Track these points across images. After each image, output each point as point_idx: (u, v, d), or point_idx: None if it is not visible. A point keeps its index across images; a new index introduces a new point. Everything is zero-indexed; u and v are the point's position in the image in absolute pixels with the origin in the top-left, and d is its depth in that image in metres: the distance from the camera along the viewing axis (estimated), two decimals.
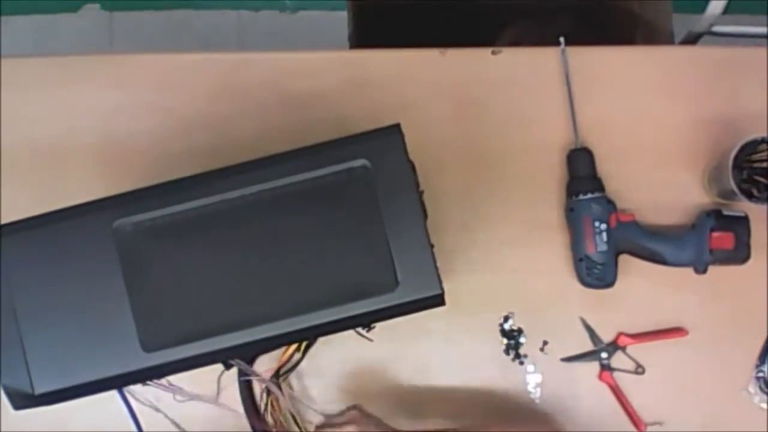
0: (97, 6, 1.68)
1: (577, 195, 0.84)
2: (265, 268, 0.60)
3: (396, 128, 0.61)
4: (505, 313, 0.86)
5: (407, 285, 0.60)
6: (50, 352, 0.60)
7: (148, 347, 0.60)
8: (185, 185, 0.61)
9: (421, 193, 0.63)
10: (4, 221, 0.87)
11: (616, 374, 0.86)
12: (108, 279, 0.60)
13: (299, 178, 0.61)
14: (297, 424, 0.82)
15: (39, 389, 0.61)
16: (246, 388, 0.81)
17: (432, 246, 0.62)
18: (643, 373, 0.86)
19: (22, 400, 0.62)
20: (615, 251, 0.83)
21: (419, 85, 0.89)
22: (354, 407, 0.84)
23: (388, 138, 0.61)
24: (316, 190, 0.60)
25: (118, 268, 0.60)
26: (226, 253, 0.61)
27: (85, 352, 0.60)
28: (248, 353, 0.66)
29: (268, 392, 0.80)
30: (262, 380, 0.77)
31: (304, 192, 0.60)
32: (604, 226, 0.83)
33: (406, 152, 0.61)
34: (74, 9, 1.68)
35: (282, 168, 0.61)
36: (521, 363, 0.86)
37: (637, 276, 0.86)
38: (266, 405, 0.80)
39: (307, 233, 0.60)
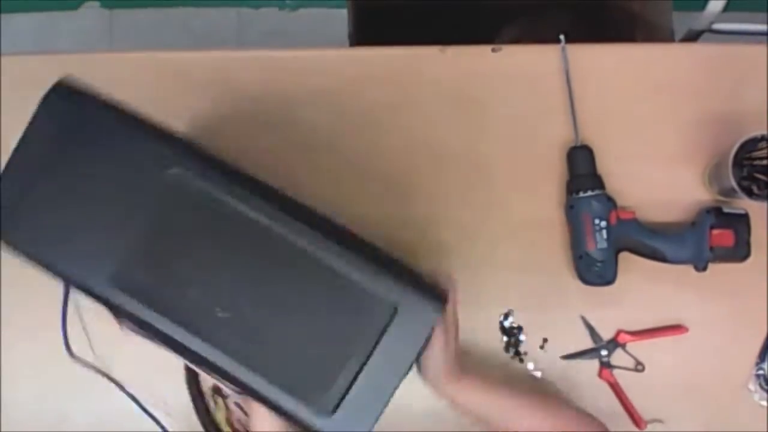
0: (97, 4, 1.68)
1: (577, 192, 0.84)
2: (248, 302, 0.58)
3: (441, 302, 0.59)
4: (505, 311, 0.87)
5: (337, 421, 0.57)
6: (43, 221, 0.59)
7: (117, 282, 0.58)
8: (258, 190, 0.59)
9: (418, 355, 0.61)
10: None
11: (616, 372, 0.86)
12: (128, 205, 0.58)
13: (340, 270, 0.58)
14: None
15: (13, 238, 0.59)
16: (195, 385, 0.83)
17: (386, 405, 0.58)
18: (643, 370, 0.86)
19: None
20: (615, 248, 0.83)
21: (419, 82, 0.89)
22: None
23: (431, 304, 0.58)
24: (343, 288, 0.58)
25: (143, 204, 0.58)
26: (233, 265, 0.59)
27: (72, 243, 0.58)
28: (186, 356, 0.64)
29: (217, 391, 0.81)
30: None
31: (332, 280, 0.58)
32: (604, 224, 0.83)
33: (432, 328, 0.58)
34: (74, 7, 1.68)
35: (339, 254, 0.57)
36: (521, 360, 0.86)
37: (637, 273, 0.86)
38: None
39: (306, 309, 0.58)
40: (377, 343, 0.57)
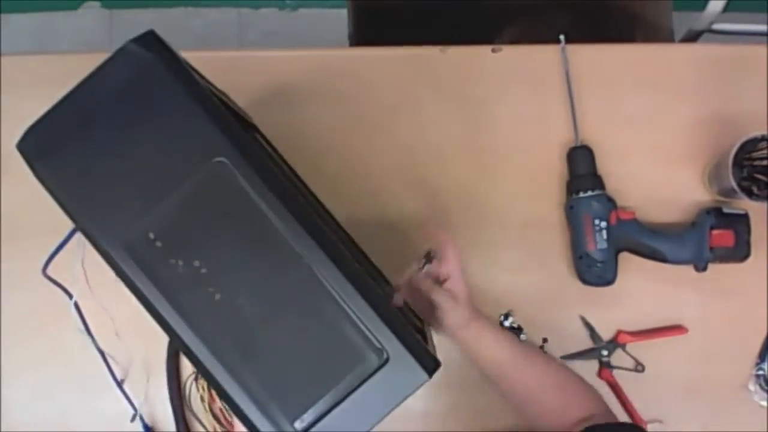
0: (97, 4, 1.68)
1: (577, 193, 0.84)
2: (247, 309, 0.57)
3: (433, 369, 0.58)
4: (505, 311, 0.87)
5: None
6: (78, 163, 0.58)
7: (128, 249, 0.56)
8: (296, 210, 0.57)
9: None
10: (4, 220, 0.87)
11: (615, 372, 0.86)
12: (164, 177, 0.56)
13: (347, 308, 0.57)
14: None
15: (42, 170, 0.59)
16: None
17: None
18: (642, 370, 0.86)
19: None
20: (615, 249, 0.83)
21: (419, 82, 0.89)
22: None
23: (421, 367, 0.58)
24: (344, 324, 0.57)
25: (178, 181, 0.56)
26: (245, 269, 0.57)
27: (96, 195, 0.57)
28: (175, 341, 0.63)
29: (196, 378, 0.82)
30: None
31: (336, 313, 0.57)
32: (604, 224, 0.83)
33: (417, 388, 0.59)
34: (74, 7, 1.68)
35: (351, 295, 0.56)
36: None
37: (637, 274, 0.86)
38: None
39: (301, 332, 0.57)
40: (360, 384, 0.57)
